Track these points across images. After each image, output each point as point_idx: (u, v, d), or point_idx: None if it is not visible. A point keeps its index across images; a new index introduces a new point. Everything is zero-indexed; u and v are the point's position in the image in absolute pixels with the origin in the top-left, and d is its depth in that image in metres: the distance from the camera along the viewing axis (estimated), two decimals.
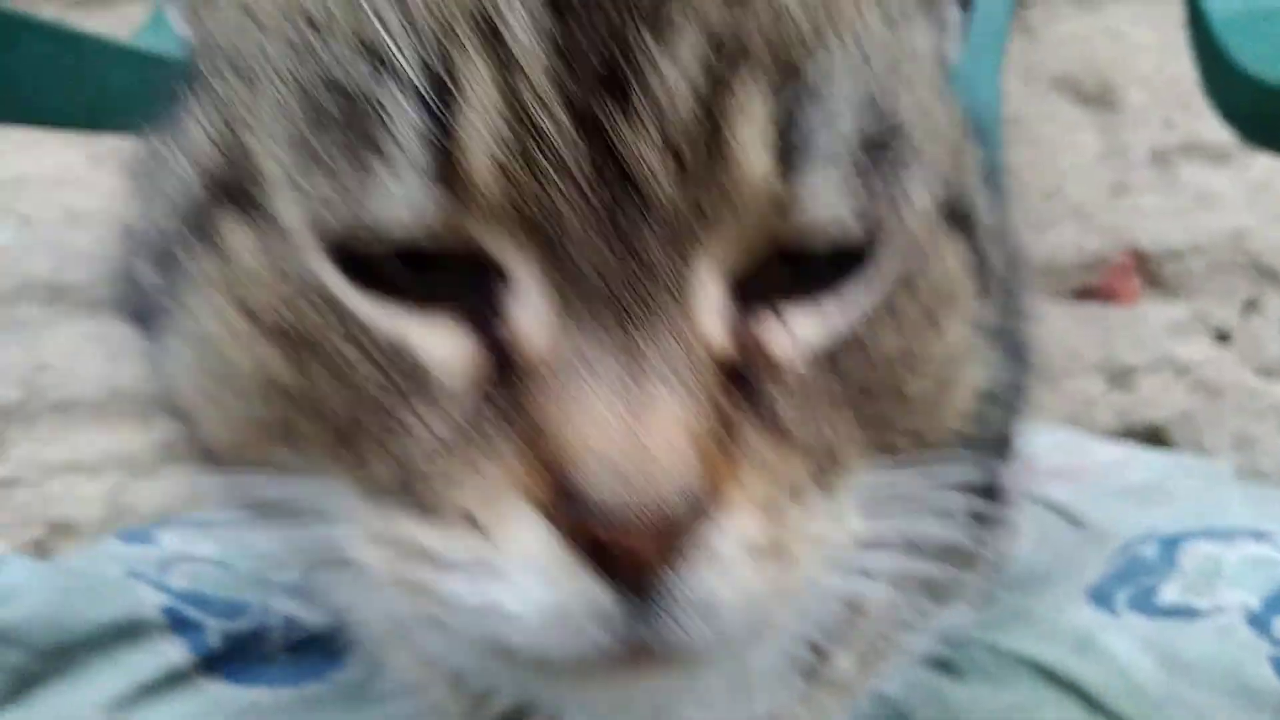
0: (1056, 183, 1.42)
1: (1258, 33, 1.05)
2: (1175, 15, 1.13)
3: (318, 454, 0.36)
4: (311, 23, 0.34)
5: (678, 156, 0.32)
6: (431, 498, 0.33)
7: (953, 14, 0.45)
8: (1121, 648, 0.62)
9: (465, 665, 0.40)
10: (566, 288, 0.32)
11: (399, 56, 0.32)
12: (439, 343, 0.34)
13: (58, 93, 0.80)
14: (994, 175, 0.47)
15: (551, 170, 0.32)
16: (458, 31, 0.32)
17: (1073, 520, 0.83)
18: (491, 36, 0.32)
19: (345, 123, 0.32)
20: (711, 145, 0.32)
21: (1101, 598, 0.68)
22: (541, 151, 0.31)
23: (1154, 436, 1.45)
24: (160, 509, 1.42)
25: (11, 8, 1.13)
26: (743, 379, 0.35)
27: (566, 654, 0.32)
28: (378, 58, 0.32)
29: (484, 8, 0.32)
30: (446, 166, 0.32)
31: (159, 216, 0.39)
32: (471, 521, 0.32)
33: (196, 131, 0.37)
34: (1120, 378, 1.44)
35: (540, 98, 0.31)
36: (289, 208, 0.34)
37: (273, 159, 0.34)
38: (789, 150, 0.33)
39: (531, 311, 0.33)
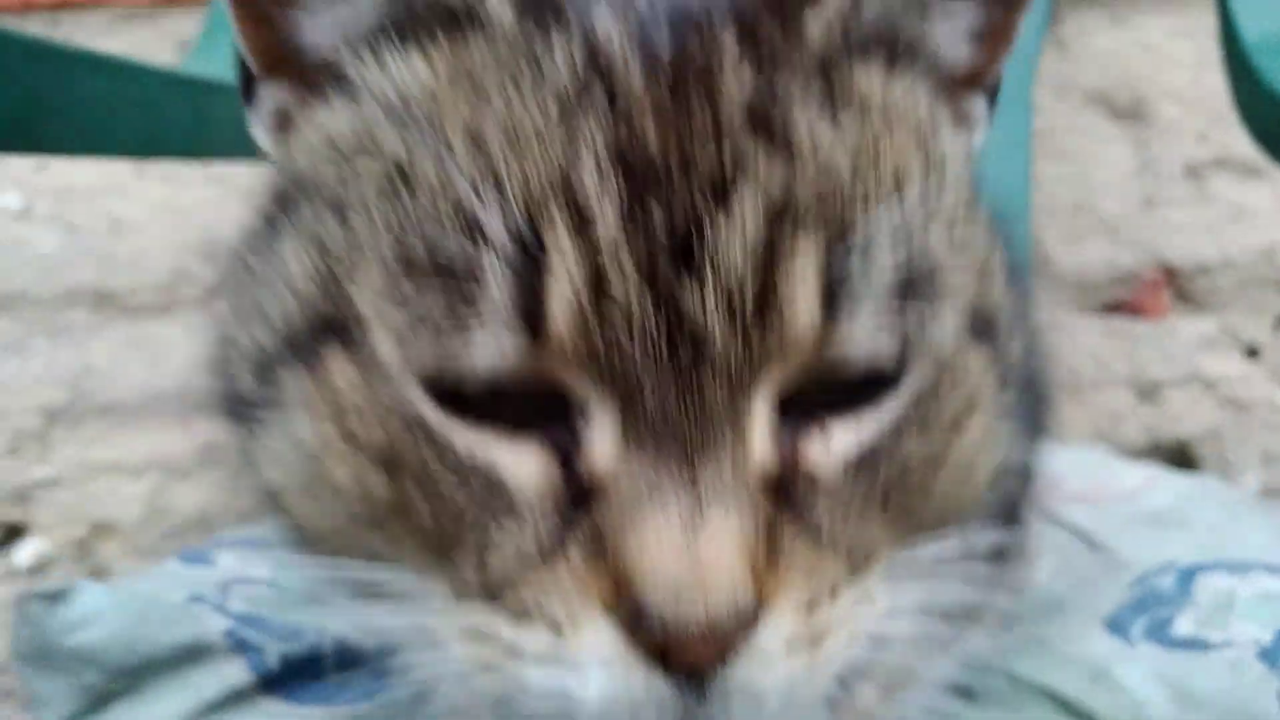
0: (1088, 197, 1.44)
1: None
2: (1209, 29, 1.15)
3: (410, 552, 0.40)
4: (403, 174, 0.39)
5: (735, 314, 0.37)
6: (515, 600, 0.38)
7: (980, 107, 0.49)
8: (1135, 679, 0.65)
9: None
10: (635, 422, 0.37)
11: (494, 229, 0.36)
12: (522, 465, 0.39)
13: (116, 124, 0.83)
14: (1016, 271, 0.51)
15: (624, 326, 0.37)
16: (547, 207, 0.37)
17: (1093, 545, 0.86)
18: (576, 212, 0.36)
19: (441, 282, 0.37)
20: (764, 302, 0.37)
21: (1118, 627, 0.71)
22: (616, 311, 0.36)
23: (1181, 451, 1.47)
24: (199, 510, 1.48)
25: (72, 45, 1.17)
26: (785, 489, 0.39)
27: None
28: (473, 227, 0.37)
29: (570, 187, 0.37)
30: (534, 322, 0.37)
31: (259, 332, 0.43)
32: (550, 622, 0.37)
33: (295, 265, 0.42)
34: (1149, 392, 1.46)
35: (617, 266, 0.36)
36: (387, 349, 0.39)
37: (371, 306, 0.39)
38: (833, 299, 0.38)
39: (604, 441, 0.38)
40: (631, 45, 0.40)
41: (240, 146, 1.09)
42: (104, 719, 0.60)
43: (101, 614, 0.61)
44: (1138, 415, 1.47)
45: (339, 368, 0.40)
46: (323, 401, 0.40)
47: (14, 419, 1.47)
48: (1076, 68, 1.42)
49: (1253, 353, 1.47)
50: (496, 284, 0.36)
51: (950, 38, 0.47)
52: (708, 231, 0.37)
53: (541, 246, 0.36)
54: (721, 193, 0.37)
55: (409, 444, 0.39)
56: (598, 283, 0.36)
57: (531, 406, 0.39)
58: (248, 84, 0.47)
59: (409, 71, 0.42)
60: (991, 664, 0.67)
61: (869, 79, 0.43)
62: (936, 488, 0.43)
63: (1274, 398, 1.46)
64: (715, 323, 0.37)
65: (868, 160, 0.40)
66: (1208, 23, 1.14)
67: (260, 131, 0.47)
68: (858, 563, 0.41)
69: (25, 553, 1.51)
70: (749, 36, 0.41)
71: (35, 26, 1.43)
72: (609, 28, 0.41)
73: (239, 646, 0.61)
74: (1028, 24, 1.30)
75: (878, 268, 0.39)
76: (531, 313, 0.37)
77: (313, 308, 0.41)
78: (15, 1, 1.42)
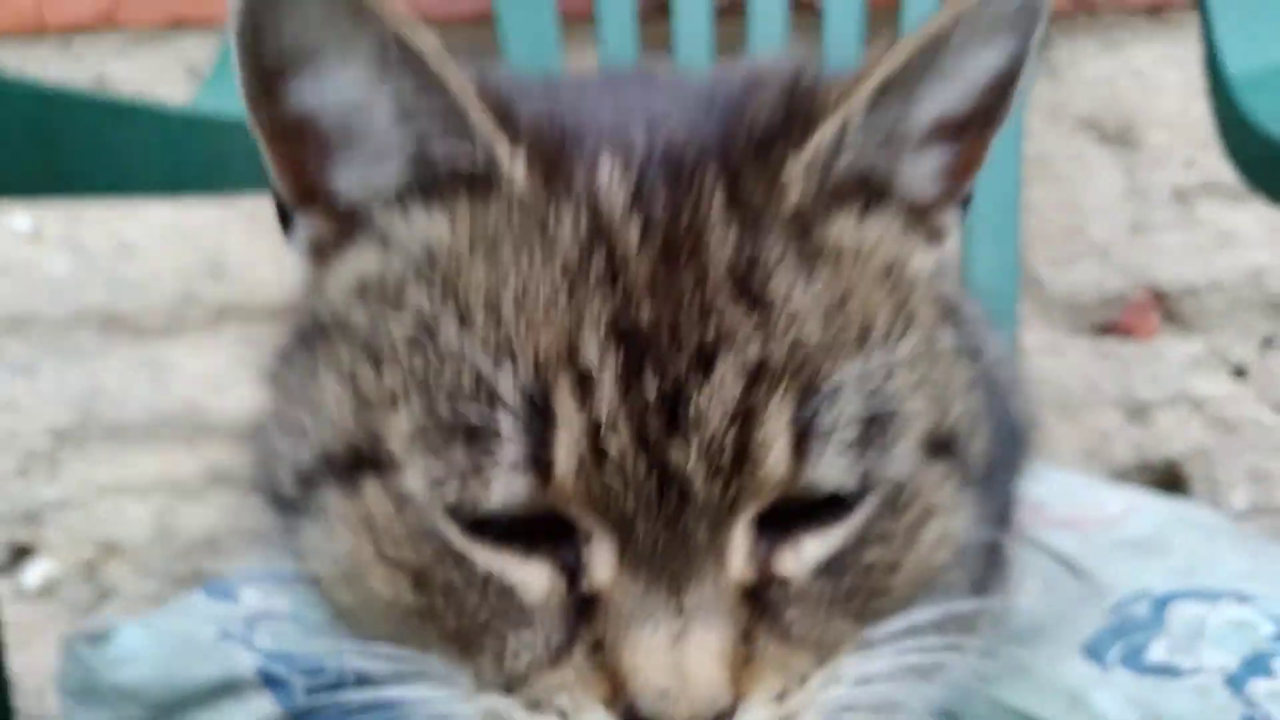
0: (1078, 220, 1.48)
1: (1273, 91, 1.11)
2: (1197, 57, 1.19)
3: (436, 646, 0.47)
4: (429, 331, 0.45)
5: (715, 465, 0.43)
6: (528, 692, 0.45)
7: (952, 218, 0.54)
8: (1108, 704, 0.69)
9: None
10: (630, 549, 0.44)
11: (509, 393, 0.43)
12: (534, 582, 0.46)
13: (143, 166, 0.88)
14: (988, 376, 0.57)
15: (619, 475, 0.43)
16: (555, 373, 0.43)
17: (1076, 571, 0.91)
18: (579, 379, 0.43)
19: (464, 436, 0.43)
20: (741, 453, 0.43)
21: (1095, 653, 0.75)
22: (612, 463, 0.43)
23: (1170, 471, 1.51)
24: (206, 531, 1.52)
25: (101, 94, 1.21)
26: (760, 595, 0.46)
27: None
28: (491, 393, 0.43)
29: (575, 355, 0.43)
30: (543, 469, 0.43)
31: (299, 448, 0.49)
32: (559, 712, 0.44)
33: (332, 397, 0.47)
34: (1138, 412, 1.51)
35: (613, 426, 0.42)
36: (417, 485, 0.45)
37: (402, 447, 0.45)
38: (803, 445, 0.44)
39: (603, 564, 0.44)
40: (630, 209, 0.46)
41: (255, 180, 1.13)
42: None
43: (141, 652, 0.67)
44: (1127, 435, 1.51)
45: (374, 497, 0.46)
46: (360, 522, 0.47)
47: (23, 440, 1.52)
48: (1068, 94, 1.47)
49: (1240, 373, 1.51)
50: (511, 440, 0.43)
51: (921, 176, 0.52)
52: (692, 396, 0.43)
53: (550, 408, 0.43)
54: (706, 361, 0.43)
55: (436, 562, 0.46)
56: (597, 439, 0.43)
57: (542, 531, 0.45)
58: (284, 213, 0.52)
59: (433, 229, 0.48)
60: (974, 690, 0.72)
61: (843, 228, 0.49)
62: (896, 584, 0.49)
63: (1261, 417, 1.50)
64: (698, 473, 0.43)
65: (837, 315, 0.46)
66: (1196, 51, 1.19)
67: (297, 258, 0.53)
68: (825, 652, 0.47)
69: (34, 573, 1.55)
70: (735, 193, 0.47)
71: (47, 50, 1.47)
72: (612, 191, 0.46)
73: (269, 682, 0.67)
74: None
75: (843, 417, 0.45)
76: (541, 461, 0.43)
77: (349, 439, 0.47)
78: (28, 26, 1.46)
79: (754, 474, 0.44)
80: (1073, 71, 1.47)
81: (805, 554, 0.47)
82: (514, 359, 0.43)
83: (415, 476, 0.45)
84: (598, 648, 0.44)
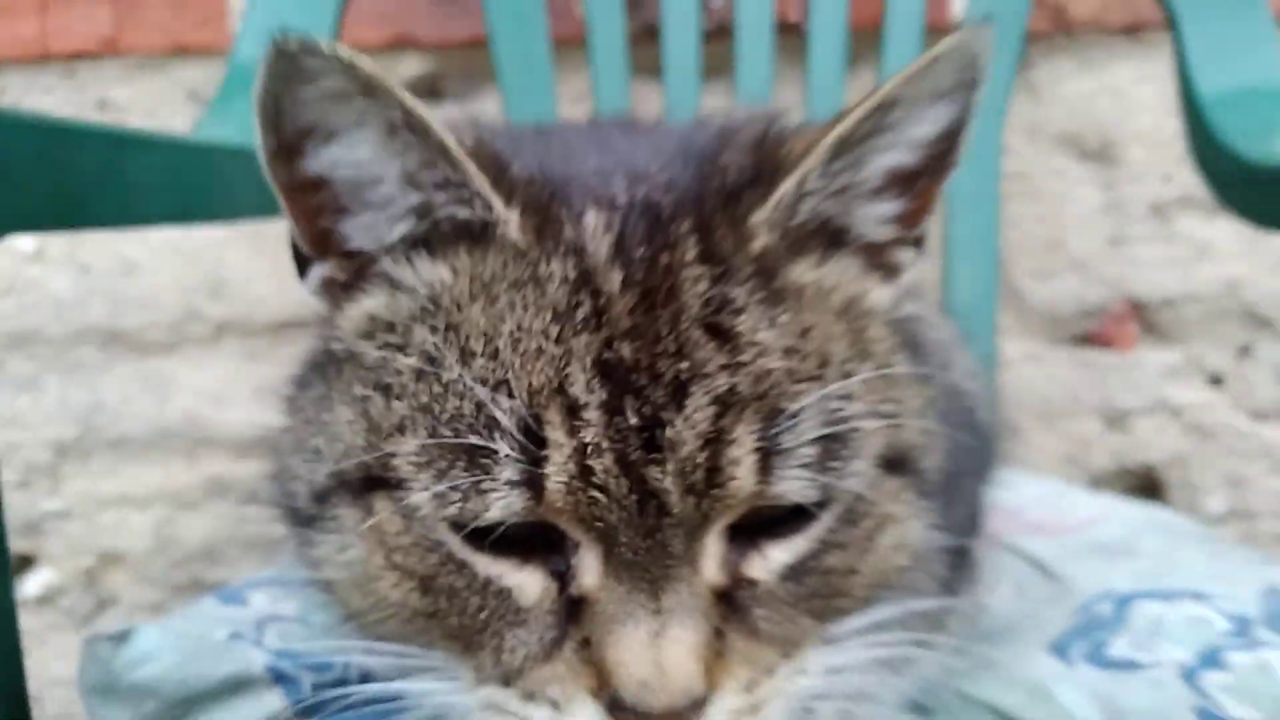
0: (1059, 235, 1.53)
1: (1242, 111, 1.16)
2: (1173, 76, 1.23)
3: (440, 643, 0.53)
4: (434, 365, 0.50)
5: (689, 484, 0.48)
6: (523, 684, 0.50)
7: (908, 255, 0.59)
8: (1071, 697, 0.73)
9: None
10: (614, 557, 0.49)
11: (506, 423, 0.48)
12: (529, 586, 0.51)
13: (155, 196, 0.91)
14: (955, 391, 0.62)
15: (603, 494, 0.48)
16: (547, 406, 0.48)
17: (1047, 574, 0.95)
18: (568, 411, 0.48)
19: (466, 460, 0.49)
20: (712, 473, 0.49)
21: (1060, 650, 0.79)
22: (597, 483, 0.48)
23: (1148, 477, 1.56)
24: (205, 540, 1.56)
25: (107, 125, 1.24)
26: (731, 597, 0.51)
27: None
28: (490, 423, 0.48)
29: (564, 391, 0.48)
30: (536, 488, 0.48)
31: (315, 468, 0.55)
32: (551, 701, 0.50)
33: (345, 424, 0.53)
34: (1117, 420, 1.55)
35: (598, 451, 0.48)
36: (423, 502, 0.50)
37: (410, 470, 0.50)
38: (767, 465, 0.49)
39: (590, 570, 0.50)
40: (613, 259, 0.52)
41: (260, 207, 1.16)
42: None
43: (158, 652, 0.72)
44: (1106, 442, 1.56)
45: (385, 512, 0.52)
46: (373, 535, 0.53)
47: (26, 453, 1.55)
48: (1047, 112, 1.51)
49: (1216, 381, 1.55)
50: (508, 463, 0.48)
51: (877, 221, 0.58)
52: (668, 423, 0.48)
53: (542, 434, 0.48)
54: (680, 392, 0.49)
55: (440, 569, 0.52)
56: (584, 461, 0.48)
57: (535, 541, 0.51)
58: (299, 255, 0.58)
59: (437, 276, 0.54)
60: (944, 684, 0.76)
61: (804, 270, 0.55)
62: (855, 586, 0.55)
63: (1237, 424, 1.54)
64: (674, 490, 0.49)
65: (799, 348, 0.52)
66: (1172, 69, 1.23)
67: (311, 297, 0.58)
68: (790, 647, 0.53)
69: (34, 583, 1.58)
70: (706, 242, 0.52)
71: (51, 76, 1.51)
72: (596, 243, 0.52)
73: (278, 678, 0.71)
74: (996, 70, 1.38)
75: (804, 439, 0.51)
76: (534, 480, 0.48)
77: (362, 461, 0.52)
78: (32, 52, 1.49)
79: (724, 490, 0.49)
80: (1052, 90, 1.51)
81: (772, 560, 0.53)
82: (510, 391, 0.49)
83: (422, 495, 0.50)
84: (585, 644, 0.50)
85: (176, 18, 1.49)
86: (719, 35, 1.35)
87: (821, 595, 0.54)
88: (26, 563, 1.58)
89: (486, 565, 0.52)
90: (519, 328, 0.50)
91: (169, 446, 1.56)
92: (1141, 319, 1.55)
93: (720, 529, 0.51)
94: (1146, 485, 1.57)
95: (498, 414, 0.48)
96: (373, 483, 0.52)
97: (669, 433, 0.48)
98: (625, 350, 0.49)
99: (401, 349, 0.53)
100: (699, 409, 0.49)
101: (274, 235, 1.51)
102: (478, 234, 0.53)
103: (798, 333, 0.52)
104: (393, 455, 0.51)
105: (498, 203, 0.53)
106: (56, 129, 0.77)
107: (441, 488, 0.49)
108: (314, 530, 0.55)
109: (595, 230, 0.53)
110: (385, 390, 0.52)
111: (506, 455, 0.48)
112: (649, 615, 0.49)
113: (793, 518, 0.53)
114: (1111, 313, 1.54)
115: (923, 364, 0.61)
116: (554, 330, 0.50)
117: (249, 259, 1.54)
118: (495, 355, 0.50)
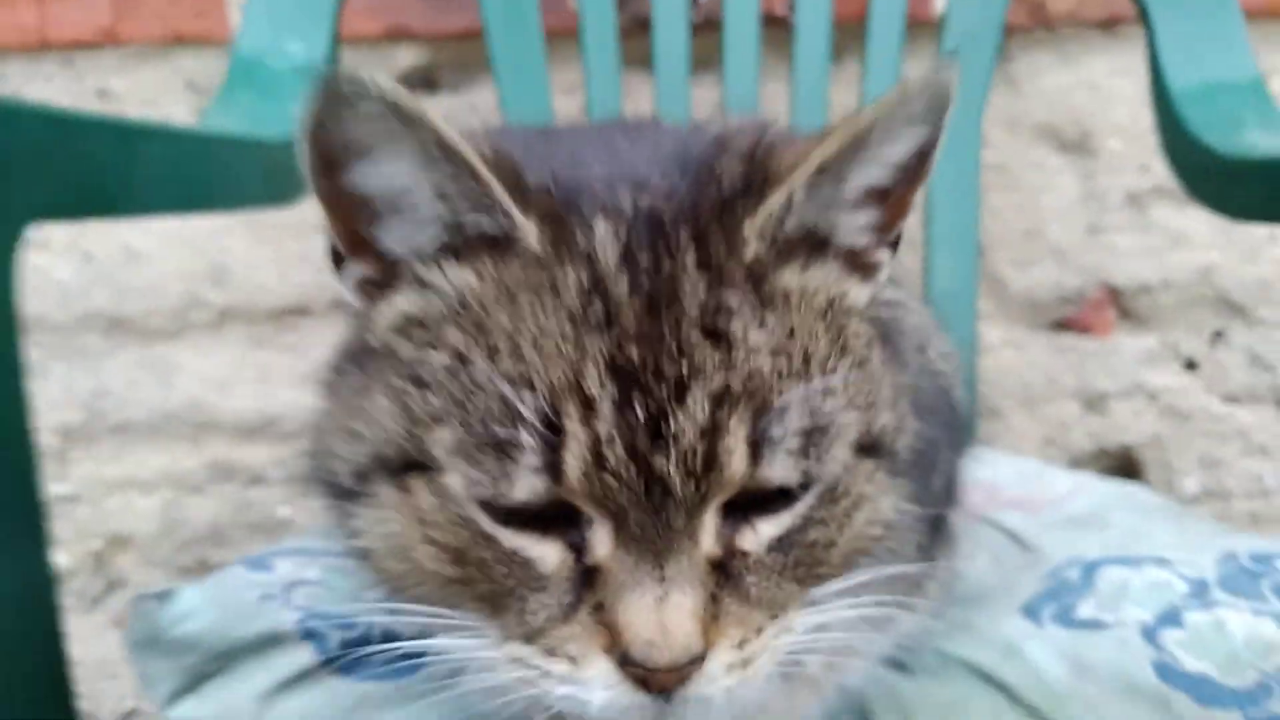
0: (1037, 224, 1.58)
1: (1211, 105, 1.21)
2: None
3: (470, 605, 0.60)
4: (463, 361, 0.57)
5: (689, 469, 0.55)
6: (545, 641, 0.58)
7: (885, 255, 0.66)
8: (1040, 654, 0.79)
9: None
10: (624, 532, 0.56)
11: (529, 415, 0.55)
12: (549, 557, 0.58)
13: (167, 185, 0.95)
14: (931, 372, 0.70)
15: (615, 478, 0.55)
16: (564, 400, 0.55)
17: (1023, 545, 1.00)
18: (584, 405, 0.55)
19: (494, 448, 0.55)
20: (710, 460, 0.56)
21: (1032, 612, 0.85)
22: (609, 469, 0.55)
23: (1126, 458, 1.61)
24: (210, 523, 1.60)
25: (112, 116, 1.27)
26: (724, 566, 0.58)
27: None
28: (515, 415, 0.55)
29: (580, 387, 0.55)
30: (555, 473, 0.55)
31: (356, 448, 0.61)
32: (569, 657, 0.57)
33: (384, 411, 0.60)
34: (1095, 403, 1.60)
35: (610, 441, 0.55)
36: (456, 484, 0.57)
37: (444, 455, 0.57)
38: (757, 452, 0.56)
39: (603, 544, 0.57)
40: (620, 266, 0.58)
41: (264, 196, 1.21)
42: (202, 694, 0.78)
43: (198, 610, 0.79)
44: (1085, 425, 1.61)
45: (421, 493, 0.59)
46: (410, 511, 0.59)
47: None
48: (1027, 105, 1.56)
49: (1191, 366, 1.60)
50: (531, 451, 0.55)
51: (856, 229, 0.64)
52: (671, 418, 0.55)
53: (561, 426, 0.55)
54: (681, 389, 0.56)
55: (471, 542, 0.58)
56: (598, 450, 0.55)
57: (555, 518, 0.57)
58: (337, 257, 0.64)
59: (465, 281, 0.60)
60: (923, 643, 0.82)
61: (790, 275, 0.61)
62: (833, 556, 0.63)
63: (1211, 407, 1.60)
64: (676, 475, 0.55)
65: (785, 348, 0.59)
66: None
67: (348, 295, 0.64)
68: (777, 610, 0.60)
69: None
70: (703, 250, 0.59)
71: (50, 66, 1.54)
72: (606, 251, 0.59)
73: (308, 634, 0.78)
74: (976, 64, 1.42)
75: (789, 429, 0.57)
76: (554, 466, 0.55)
77: (400, 446, 0.59)
78: (31, 42, 1.52)
79: (719, 474, 0.56)
80: (1031, 83, 1.55)
81: (761, 534, 0.60)
82: (532, 387, 0.55)
83: (455, 478, 0.57)
84: (599, 608, 0.57)
85: (174, 7, 1.52)
86: (707, 28, 1.40)
87: (805, 564, 0.61)
88: None
89: (511, 539, 0.58)
90: (539, 330, 0.57)
91: (173, 431, 1.60)
92: (1118, 305, 1.59)
93: (716, 507, 0.58)
94: (1124, 467, 1.62)
95: (522, 408, 0.55)
96: (410, 465, 0.59)
97: (672, 425, 0.55)
98: (633, 351, 0.56)
99: (434, 346, 0.59)
100: (698, 404, 0.56)
101: (275, 224, 1.57)
102: (501, 243, 0.59)
103: (784, 334, 0.59)
104: (428, 443, 0.58)
105: (517, 214, 0.59)
106: (72, 121, 0.80)
107: (472, 473, 0.56)
108: (354, 504, 0.62)
109: (604, 239, 0.59)
110: (420, 383, 0.58)
111: (530, 445, 0.55)
112: (654, 583, 0.56)
113: (779, 497, 0.60)
114: (1089, 299, 1.58)
115: (900, 348, 0.68)
116: (570, 332, 0.56)
117: (251, 247, 1.57)
118: (519, 354, 0.56)
